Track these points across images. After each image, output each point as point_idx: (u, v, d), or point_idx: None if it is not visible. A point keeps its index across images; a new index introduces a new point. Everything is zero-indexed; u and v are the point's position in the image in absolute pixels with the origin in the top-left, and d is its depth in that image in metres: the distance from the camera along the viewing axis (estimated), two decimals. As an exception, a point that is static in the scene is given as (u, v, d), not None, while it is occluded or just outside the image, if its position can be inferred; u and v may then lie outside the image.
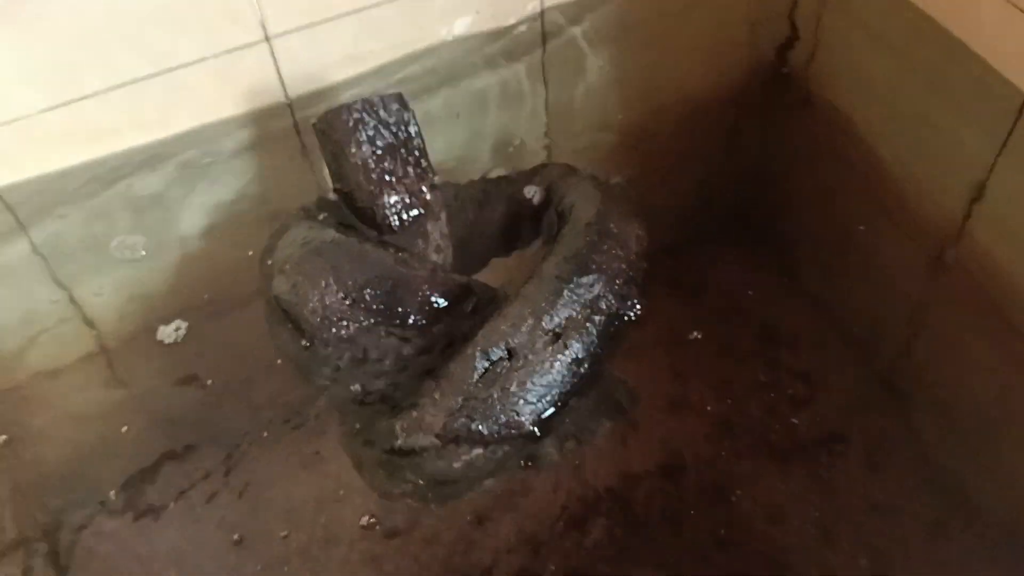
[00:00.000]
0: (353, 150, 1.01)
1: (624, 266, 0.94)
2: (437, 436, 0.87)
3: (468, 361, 0.88)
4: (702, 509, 0.84)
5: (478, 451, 0.87)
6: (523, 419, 0.87)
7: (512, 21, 1.31)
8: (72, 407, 1.01)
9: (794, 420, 0.88)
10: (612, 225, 0.96)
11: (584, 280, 0.92)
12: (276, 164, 1.22)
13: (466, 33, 1.30)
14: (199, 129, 1.24)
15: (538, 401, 0.87)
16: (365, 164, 1.02)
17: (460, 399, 0.87)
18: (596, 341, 0.91)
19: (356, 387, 0.95)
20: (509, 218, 1.07)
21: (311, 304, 0.97)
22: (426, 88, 1.26)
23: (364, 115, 1.01)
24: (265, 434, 0.95)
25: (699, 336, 0.96)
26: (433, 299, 0.97)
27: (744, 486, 0.85)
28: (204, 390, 0.99)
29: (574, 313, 0.91)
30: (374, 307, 0.97)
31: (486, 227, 1.07)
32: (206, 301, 1.07)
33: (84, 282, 1.11)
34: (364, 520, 0.87)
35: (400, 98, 1.03)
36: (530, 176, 1.09)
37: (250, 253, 1.09)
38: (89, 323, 1.08)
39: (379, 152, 1.01)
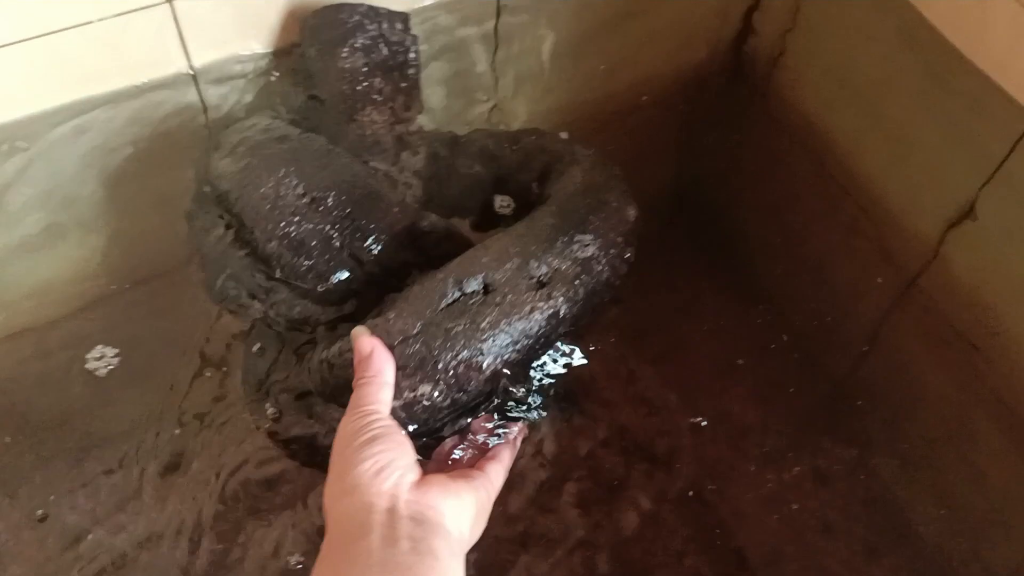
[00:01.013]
0: (345, 53, 0.92)
1: (620, 239, 0.84)
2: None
3: (436, 285, 0.75)
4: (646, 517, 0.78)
5: (424, 389, 0.71)
6: (485, 361, 0.72)
7: None
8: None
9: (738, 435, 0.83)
10: (612, 198, 0.87)
11: (581, 237, 0.81)
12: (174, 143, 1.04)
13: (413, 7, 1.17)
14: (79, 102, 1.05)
15: (507, 347, 0.73)
16: (353, 72, 0.92)
17: (419, 324, 0.72)
18: (581, 304, 0.79)
19: (294, 307, 0.79)
20: (483, 180, 0.95)
21: (263, 189, 0.82)
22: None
23: (365, 21, 0.93)
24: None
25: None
26: (403, 225, 0.82)
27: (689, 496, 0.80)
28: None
29: (564, 267, 0.79)
30: (335, 213, 0.82)
31: (457, 182, 0.95)
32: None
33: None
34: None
35: (406, 19, 0.94)
36: (516, 138, 0.98)
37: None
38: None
39: (371, 65, 0.92)
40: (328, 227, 0.82)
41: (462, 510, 0.60)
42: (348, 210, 0.83)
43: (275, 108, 0.99)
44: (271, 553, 0.75)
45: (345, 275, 0.82)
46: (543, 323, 0.76)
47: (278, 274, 0.82)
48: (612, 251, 0.83)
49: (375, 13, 0.94)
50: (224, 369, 0.84)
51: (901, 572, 0.76)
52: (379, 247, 0.82)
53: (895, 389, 0.88)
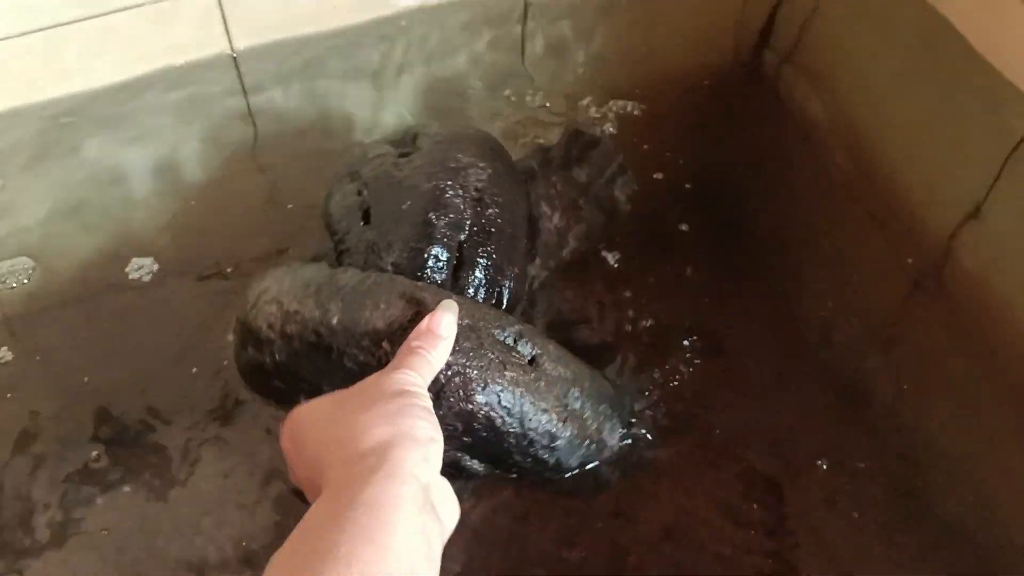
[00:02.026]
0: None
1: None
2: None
3: (503, 320, 0.73)
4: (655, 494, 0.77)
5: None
6: (478, 410, 0.70)
7: None
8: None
9: (750, 429, 0.82)
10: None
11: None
12: (212, 123, 1.10)
13: (437, 3, 1.23)
14: (127, 82, 1.13)
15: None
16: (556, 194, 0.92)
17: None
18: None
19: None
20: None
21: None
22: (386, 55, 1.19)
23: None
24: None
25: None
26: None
27: (693, 482, 0.78)
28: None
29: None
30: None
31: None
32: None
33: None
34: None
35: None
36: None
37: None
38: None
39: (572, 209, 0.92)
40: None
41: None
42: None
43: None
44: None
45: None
46: (540, 434, 0.72)
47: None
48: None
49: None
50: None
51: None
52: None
53: (911, 381, 0.86)
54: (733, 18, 1.28)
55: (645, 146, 1.06)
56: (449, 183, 0.80)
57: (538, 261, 0.89)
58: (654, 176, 1.02)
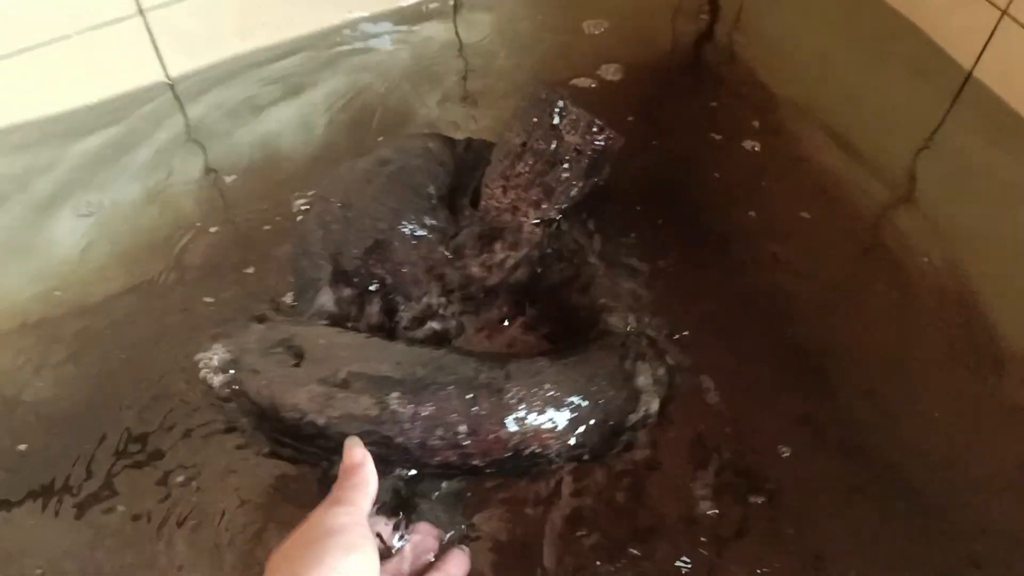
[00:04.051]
0: (512, 127, 0.90)
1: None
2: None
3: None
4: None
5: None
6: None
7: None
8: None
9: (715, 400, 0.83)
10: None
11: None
12: (152, 153, 1.09)
13: (368, 14, 1.24)
14: (59, 115, 1.11)
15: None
16: (506, 145, 0.90)
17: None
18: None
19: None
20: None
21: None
22: (327, 64, 1.19)
23: (549, 115, 0.88)
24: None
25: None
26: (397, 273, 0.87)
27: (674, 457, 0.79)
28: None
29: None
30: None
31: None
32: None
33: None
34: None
35: (603, 141, 0.89)
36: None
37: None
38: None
39: (521, 154, 0.89)
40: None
41: None
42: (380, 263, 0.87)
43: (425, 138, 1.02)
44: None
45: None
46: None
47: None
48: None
49: (573, 119, 0.89)
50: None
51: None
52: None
53: (869, 346, 0.88)
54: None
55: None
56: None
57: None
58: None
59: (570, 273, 0.90)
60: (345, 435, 0.71)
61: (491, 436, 0.74)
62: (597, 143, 0.90)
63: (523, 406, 0.75)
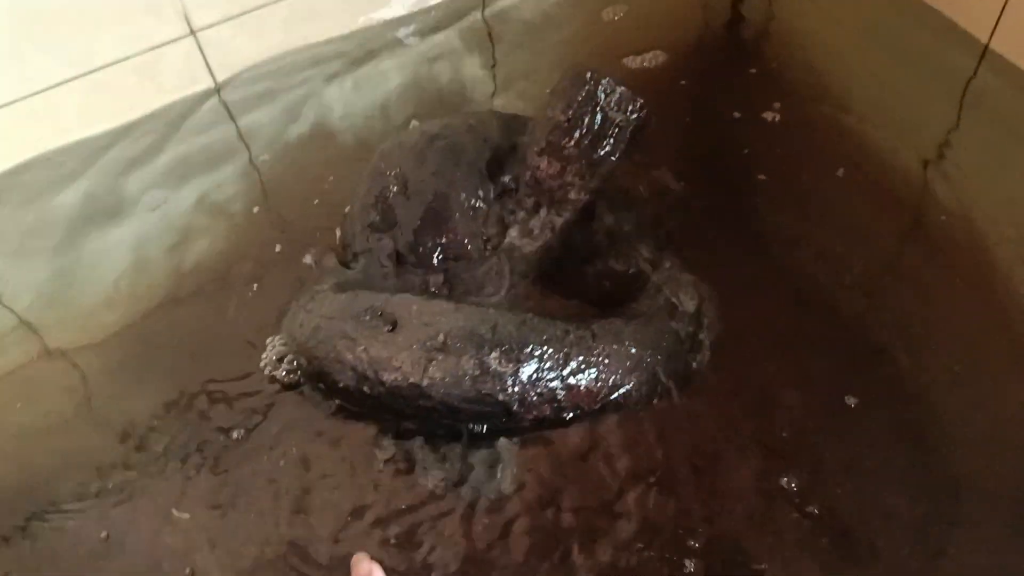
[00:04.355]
0: (557, 105, 0.95)
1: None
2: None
3: None
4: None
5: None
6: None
7: None
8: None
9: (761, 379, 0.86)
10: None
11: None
12: (206, 153, 1.17)
13: (396, 16, 1.31)
14: (125, 126, 1.19)
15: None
16: (553, 122, 0.96)
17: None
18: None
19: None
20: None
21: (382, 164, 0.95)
22: (362, 61, 1.26)
23: (591, 91, 0.94)
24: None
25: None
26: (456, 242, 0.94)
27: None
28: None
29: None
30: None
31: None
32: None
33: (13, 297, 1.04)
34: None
35: (640, 115, 0.95)
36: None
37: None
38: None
39: (574, 128, 0.95)
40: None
41: None
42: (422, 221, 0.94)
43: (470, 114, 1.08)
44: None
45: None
46: None
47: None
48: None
49: (615, 98, 0.95)
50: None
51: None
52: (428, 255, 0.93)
53: (913, 317, 0.90)
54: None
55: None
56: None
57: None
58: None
59: (607, 241, 0.97)
60: (447, 395, 0.78)
61: (583, 390, 0.81)
62: (636, 118, 0.96)
63: (609, 361, 0.82)
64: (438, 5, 1.32)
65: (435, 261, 0.93)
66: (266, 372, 0.90)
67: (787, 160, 1.07)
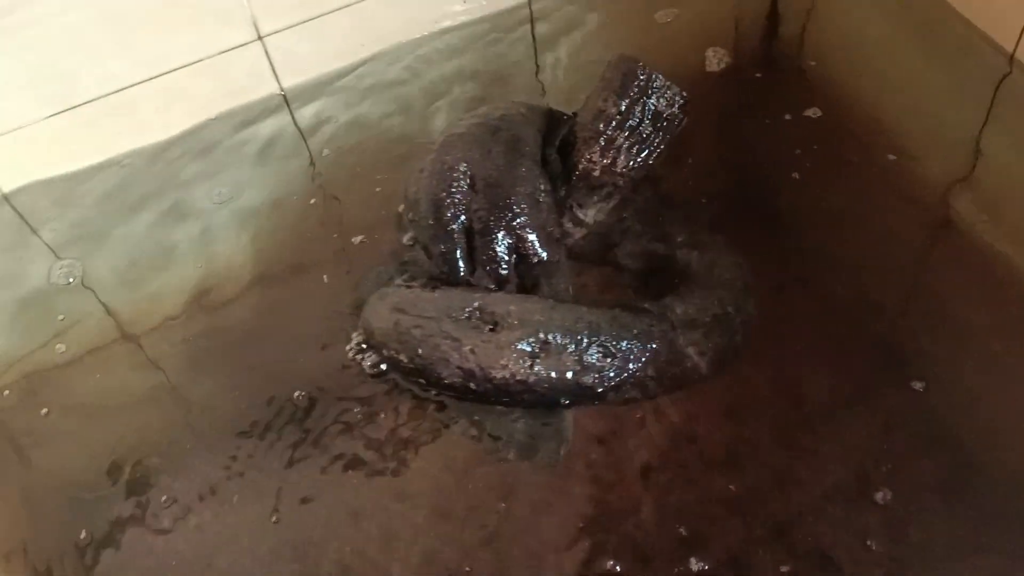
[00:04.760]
0: (609, 98, 1.03)
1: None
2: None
3: None
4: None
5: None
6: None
7: (504, 7, 1.38)
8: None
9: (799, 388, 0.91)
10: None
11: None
12: (270, 152, 1.24)
13: (454, 24, 1.36)
14: (196, 126, 1.27)
15: None
16: (606, 115, 1.03)
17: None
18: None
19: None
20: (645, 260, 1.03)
21: (448, 157, 1.01)
22: (420, 65, 1.32)
23: (644, 85, 1.02)
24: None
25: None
26: (525, 235, 0.98)
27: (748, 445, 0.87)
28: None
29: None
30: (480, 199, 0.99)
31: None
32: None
33: (92, 271, 1.13)
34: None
35: (684, 106, 1.04)
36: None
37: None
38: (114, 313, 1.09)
39: (626, 120, 1.03)
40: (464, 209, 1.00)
41: None
42: (488, 201, 0.99)
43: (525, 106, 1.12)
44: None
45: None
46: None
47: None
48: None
49: (659, 85, 1.02)
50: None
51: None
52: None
53: (943, 326, 0.93)
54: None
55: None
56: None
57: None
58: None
59: (650, 224, 1.04)
60: (551, 389, 0.86)
61: (667, 374, 0.89)
62: (679, 109, 1.04)
63: (691, 349, 0.89)
64: (489, 12, 1.38)
65: (505, 254, 0.98)
66: (356, 362, 0.96)
67: (824, 158, 1.10)
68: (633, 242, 1.02)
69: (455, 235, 0.99)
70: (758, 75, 1.25)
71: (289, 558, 0.84)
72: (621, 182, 1.04)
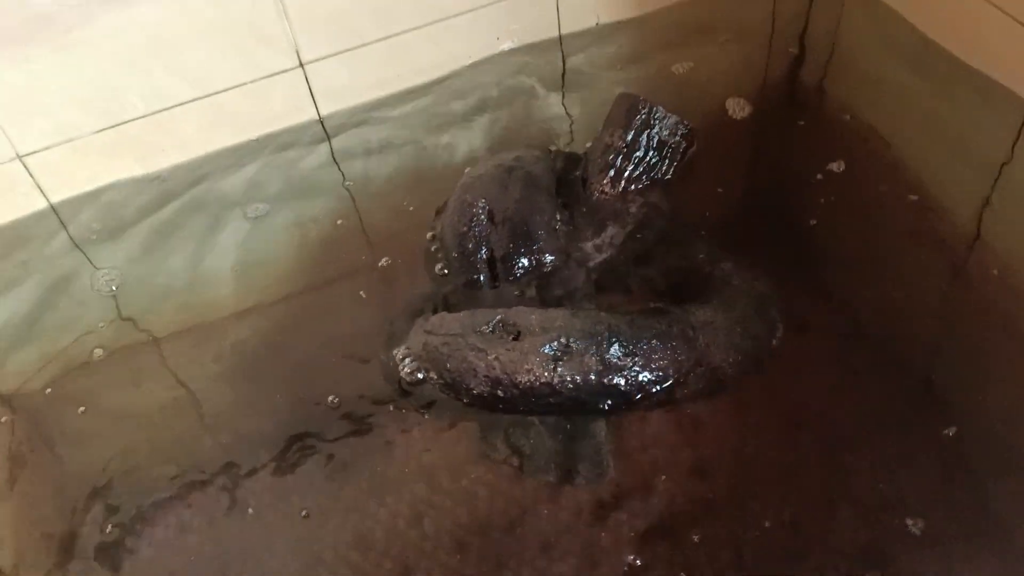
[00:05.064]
0: (615, 132, 1.10)
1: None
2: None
3: None
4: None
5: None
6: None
7: (536, 39, 1.43)
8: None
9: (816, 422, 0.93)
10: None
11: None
12: (305, 175, 1.30)
13: (488, 59, 1.42)
14: (236, 146, 1.33)
15: None
16: (613, 148, 1.10)
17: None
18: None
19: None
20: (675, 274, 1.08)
21: (467, 196, 1.08)
22: (451, 98, 1.38)
23: (646, 118, 1.10)
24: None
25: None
26: (544, 259, 1.05)
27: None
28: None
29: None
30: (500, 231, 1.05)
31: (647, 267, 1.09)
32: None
33: (131, 281, 1.17)
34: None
35: (688, 134, 1.11)
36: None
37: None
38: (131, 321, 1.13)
39: (633, 151, 1.10)
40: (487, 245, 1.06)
41: None
42: (508, 236, 1.05)
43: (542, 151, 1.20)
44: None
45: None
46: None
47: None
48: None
49: (658, 116, 1.10)
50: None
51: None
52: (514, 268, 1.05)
53: (965, 369, 0.94)
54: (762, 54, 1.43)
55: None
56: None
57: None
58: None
59: (666, 242, 1.09)
60: (576, 390, 0.89)
61: (690, 372, 0.92)
62: (682, 138, 1.11)
63: (713, 348, 0.93)
64: (522, 45, 1.44)
65: (526, 276, 1.04)
66: (400, 375, 0.99)
67: (845, 205, 1.13)
68: (653, 263, 1.07)
69: (478, 264, 1.05)
70: (780, 123, 1.29)
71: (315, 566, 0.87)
72: (634, 208, 1.10)
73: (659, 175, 1.11)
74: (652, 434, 0.92)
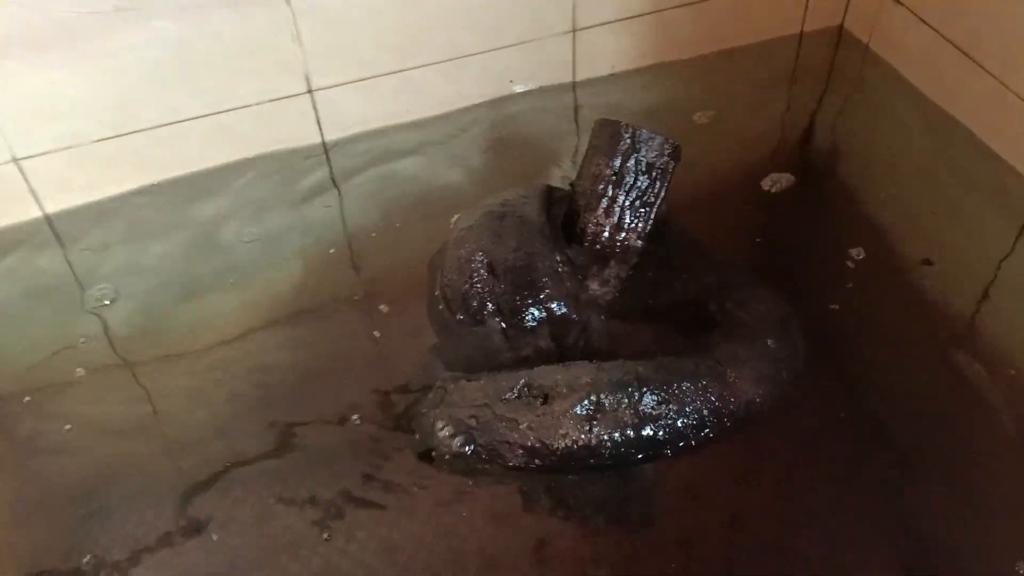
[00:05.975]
0: (601, 161, 1.07)
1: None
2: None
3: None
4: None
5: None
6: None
7: (549, 83, 1.43)
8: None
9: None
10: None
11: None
12: (304, 198, 1.28)
13: (500, 95, 1.41)
14: (235, 163, 1.31)
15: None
16: (601, 177, 1.07)
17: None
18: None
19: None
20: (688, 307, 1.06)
21: (462, 251, 1.05)
22: (458, 134, 1.37)
23: (631, 142, 1.06)
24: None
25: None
26: (553, 307, 1.02)
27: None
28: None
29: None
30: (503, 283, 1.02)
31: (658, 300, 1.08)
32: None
33: (122, 296, 1.15)
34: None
35: (674, 153, 1.07)
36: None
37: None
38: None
39: (622, 178, 1.07)
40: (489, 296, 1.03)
41: None
42: (511, 284, 1.02)
43: (532, 191, 1.15)
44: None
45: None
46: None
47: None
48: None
49: (642, 139, 1.06)
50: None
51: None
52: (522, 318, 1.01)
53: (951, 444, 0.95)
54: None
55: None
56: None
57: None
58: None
59: (672, 268, 1.09)
60: (615, 447, 0.87)
61: (723, 411, 0.92)
62: (670, 156, 1.08)
63: (742, 384, 0.93)
64: (530, 93, 1.43)
65: (536, 324, 1.01)
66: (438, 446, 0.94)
67: (853, 287, 1.12)
68: (662, 292, 1.07)
69: (488, 321, 1.02)
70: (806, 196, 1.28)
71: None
72: (633, 237, 1.08)
73: (652, 198, 1.08)
74: (691, 476, 0.91)
